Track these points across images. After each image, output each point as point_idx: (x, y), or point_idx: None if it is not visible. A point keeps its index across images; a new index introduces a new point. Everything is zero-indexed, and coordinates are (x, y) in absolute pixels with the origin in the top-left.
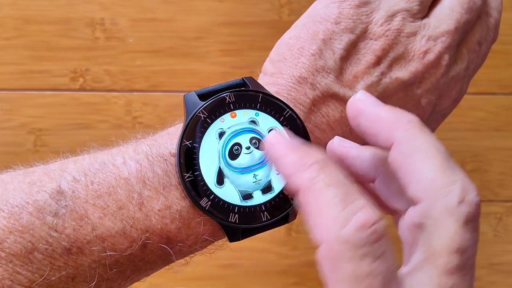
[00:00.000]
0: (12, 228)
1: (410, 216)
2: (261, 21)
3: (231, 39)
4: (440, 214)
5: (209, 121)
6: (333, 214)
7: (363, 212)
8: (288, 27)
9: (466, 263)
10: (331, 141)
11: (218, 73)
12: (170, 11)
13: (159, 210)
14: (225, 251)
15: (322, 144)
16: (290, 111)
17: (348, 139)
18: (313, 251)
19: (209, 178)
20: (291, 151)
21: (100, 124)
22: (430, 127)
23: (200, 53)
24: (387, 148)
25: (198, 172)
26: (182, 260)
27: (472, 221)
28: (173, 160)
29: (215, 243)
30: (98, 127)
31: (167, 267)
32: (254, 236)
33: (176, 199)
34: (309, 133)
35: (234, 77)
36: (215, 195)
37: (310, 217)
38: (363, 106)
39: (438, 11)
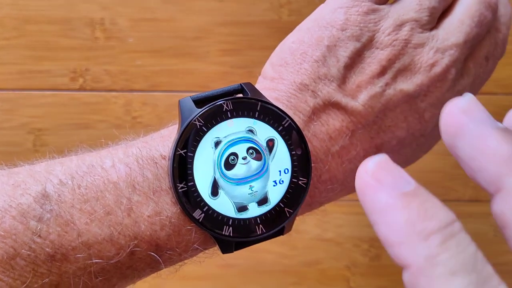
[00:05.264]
0: None
1: None
2: (261, 21)
3: (231, 39)
4: None
5: (205, 130)
6: None
7: None
8: (288, 27)
9: None
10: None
11: (218, 73)
12: (170, 11)
13: (148, 216)
14: None
15: (320, 154)
16: (289, 120)
17: (348, 151)
18: (312, 251)
19: (203, 189)
20: (404, 203)
21: (100, 124)
22: (430, 142)
23: (200, 53)
24: (489, 194)
25: (192, 183)
26: (171, 268)
27: None
28: (164, 164)
29: (206, 251)
30: (97, 127)
31: (170, 268)
32: None
33: (166, 205)
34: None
35: (234, 77)
36: (209, 206)
37: None
38: (467, 121)
39: (448, 23)
